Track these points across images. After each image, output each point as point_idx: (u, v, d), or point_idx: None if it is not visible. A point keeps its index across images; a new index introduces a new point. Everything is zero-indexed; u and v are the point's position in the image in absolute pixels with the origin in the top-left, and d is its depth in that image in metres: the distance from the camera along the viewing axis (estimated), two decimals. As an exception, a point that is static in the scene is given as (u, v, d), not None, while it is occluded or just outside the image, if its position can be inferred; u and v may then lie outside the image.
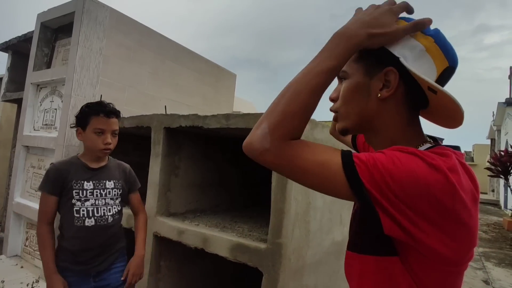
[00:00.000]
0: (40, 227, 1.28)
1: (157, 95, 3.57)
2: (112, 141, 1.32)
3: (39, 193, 3.01)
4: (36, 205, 3.10)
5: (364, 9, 0.59)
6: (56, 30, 3.46)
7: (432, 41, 0.55)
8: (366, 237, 0.59)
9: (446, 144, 0.59)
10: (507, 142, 11.10)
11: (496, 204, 13.33)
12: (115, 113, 1.34)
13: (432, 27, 0.58)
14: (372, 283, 0.58)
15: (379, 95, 0.57)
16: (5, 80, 4.23)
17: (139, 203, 1.52)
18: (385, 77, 0.57)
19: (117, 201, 1.40)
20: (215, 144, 2.40)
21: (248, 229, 1.94)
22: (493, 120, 13.27)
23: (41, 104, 3.32)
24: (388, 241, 0.54)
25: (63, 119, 2.90)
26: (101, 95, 2.93)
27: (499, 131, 13.29)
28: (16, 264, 3.11)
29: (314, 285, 1.73)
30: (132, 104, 3.33)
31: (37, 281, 2.77)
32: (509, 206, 10.39)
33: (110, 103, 1.37)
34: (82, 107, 1.34)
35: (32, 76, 3.34)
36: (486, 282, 3.88)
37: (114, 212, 1.37)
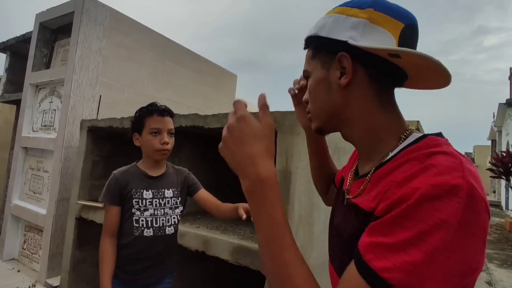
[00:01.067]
0: (104, 241, 1.24)
1: (157, 96, 3.54)
2: (169, 141, 1.27)
3: (38, 195, 2.97)
4: (35, 207, 3.07)
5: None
6: (55, 30, 3.44)
7: (371, 11, 0.51)
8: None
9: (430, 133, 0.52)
10: (508, 143, 11.06)
11: (497, 205, 13.28)
12: (169, 112, 1.30)
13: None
14: None
15: (341, 83, 0.54)
16: (3, 81, 4.20)
17: (213, 197, 1.39)
18: (340, 65, 0.53)
19: (176, 211, 1.34)
20: (215, 145, 2.36)
21: (250, 231, 1.91)
22: (493, 121, 13.23)
23: (40, 105, 3.29)
24: None
25: (62, 120, 2.86)
26: (100, 96, 2.90)
27: (499, 132, 13.25)
28: (13, 268, 3.06)
29: None
30: (132, 105, 3.30)
31: (34, 286, 2.72)
32: (510, 207, 10.35)
33: (162, 104, 1.33)
34: (136, 112, 1.32)
35: (31, 77, 3.31)
36: (489, 283, 3.84)
37: (172, 223, 1.32)
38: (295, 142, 1.43)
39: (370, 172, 0.53)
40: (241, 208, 1.18)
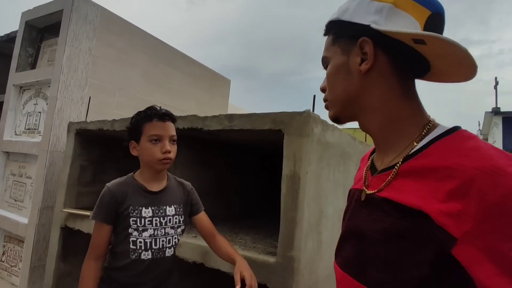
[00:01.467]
0: (87, 263, 1.09)
1: (149, 99, 3.41)
2: (172, 149, 1.12)
3: (20, 203, 2.76)
4: (15, 216, 2.86)
5: None
6: (42, 29, 3.28)
7: None
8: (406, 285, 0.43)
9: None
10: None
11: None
12: (170, 116, 1.15)
13: None
14: None
15: (361, 69, 0.52)
16: (-15, 82, 3.98)
17: (211, 224, 1.26)
18: (361, 51, 0.52)
19: (178, 230, 1.20)
20: (212, 150, 2.25)
21: (251, 240, 1.79)
22: (479, 130, 13.54)
23: (24, 107, 3.11)
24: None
25: (48, 122, 2.70)
26: (90, 97, 2.76)
27: (486, 139, 13.56)
28: (-9, 282, 2.84)
29: (325, 302, 1.58)
30: (123, 108, 3.15)
31: (14, 300, 2.51)
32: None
33: (160, 107, 1.17)
34: (132, 117, 1.16)
35: (15, 77, 3.13)
36: None
37: (173, 244, 1.17)
38: (304, 145, 1.33)
39: (398, 164, 0.49)
40: (238, 274, 1.03)
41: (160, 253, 1.13)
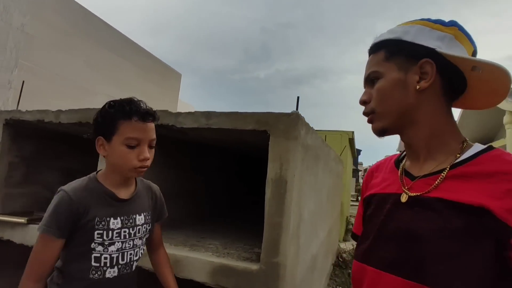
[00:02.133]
0: (26, 285, 0.88)
1: (93, 89, 3.05)
2: (150, 156, 0.95)
3: None
4: None
5: None
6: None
7: (456, 29, 0.59)
8: (469, 275, 0.49)
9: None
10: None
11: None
12: (153, 116, 0.95)
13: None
14: None
15: (418, 87, 0.59)
16: None
17: (160, 236, 1.17)
18: (421, 70, 0.59)
19: (144, 240, 1.05)
20: (178, 148, 2.09)
21: (221, 246, 1.70)
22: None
23: None
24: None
25: (-37, 109, 2.21)
26: (23, 82, 2.34)
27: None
28: None
29: (298, 305, 1.57)
30: (62, 98, 2.76)
31: None
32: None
33: (141, 101, 0.97)
34: (103, 108, 0.95)
35: None
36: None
37: (139, 256, 1.03)
38: (291, 147, 1.29)
39: (446, 169, 0.57)
40: None
41: (127, 268, 0.98)
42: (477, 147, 0.58)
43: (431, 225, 0.53)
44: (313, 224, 1.83)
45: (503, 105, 3.32)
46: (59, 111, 1.81)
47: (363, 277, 0.62)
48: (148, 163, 0.95)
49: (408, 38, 0.59)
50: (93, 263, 0.92)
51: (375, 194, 0.68)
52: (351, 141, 7.08)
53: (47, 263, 0.89)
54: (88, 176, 0.99)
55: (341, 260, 4.22)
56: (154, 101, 4.22)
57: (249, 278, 1.29)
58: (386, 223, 0.61)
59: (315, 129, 1.73)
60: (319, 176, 2.01)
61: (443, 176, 0.56)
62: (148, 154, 0.94)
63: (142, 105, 0.95)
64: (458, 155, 0.57)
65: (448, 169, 0.56)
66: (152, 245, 1.15)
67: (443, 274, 0.50)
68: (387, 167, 0.72)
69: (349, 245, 5.28)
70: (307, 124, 1.45)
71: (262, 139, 1.43)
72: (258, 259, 1.36)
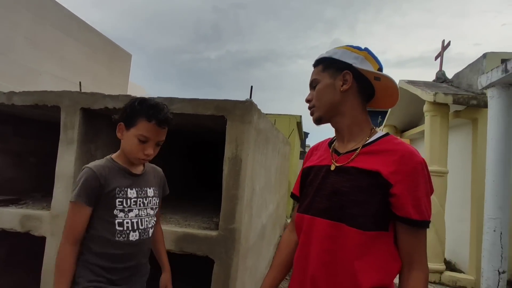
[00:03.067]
0: (64, 248, 1.05)
1: (36, 68, 2.88)
2: (154, 152, 1.13)
3: None
4: None
5: None
6: None
7: (366, 53, 0.88)
8: (369, 213, 0.77)
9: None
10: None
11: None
12: (168, 123, 1.13)
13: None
14: (375, 258, 0.77)
15: (342, 89, 0.86)
16: None
17: (159, 213, 1.31)
18: (343, 77, 0.86)
19: (155, 211, 1.22)
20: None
21: (182, 219, 1.87)
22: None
23: None
24: (386, 217, 0.77)
25: None
26: (-40, 60, 2.17)
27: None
28: None
29: (251, 266, 1.83)
30: (3, 77, 2.59)
31: None
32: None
33: (166, 106, 1.12)
34: (133, 101, 1.12)
35: None
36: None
37: (152, 225, 1.19)
38: (245, 130, 1.50)
39: (358, 148, 0.84)
40: (164, 286, 1.26)
41: (145, 233, 1.16)
42: (379, 133, 0.87)
43: (349, 184, 0.80)
44: (263, 197, 2.09)
45: (423, 95, 3.86)
46: (12, 92, 1.78)
47: (302, 223, 0.89)
48: (151, 157, 1.14)
49: (336, 57, 0.88)
50: (117, 227, 1.08)
51: (314, 166, 0.94)
52: (299, 124, 7.54)
53: (80, 227, 1.05)
54: (105, 157, 1.16)
55: (288, 233, 4.63)
56: (103, 83, 4.13)
57: (210, 243, 1.50)
58: (321, 185, 0.87)
59: (266, 112, 1.96)
60: (269, 156, 2.26)
61: (357, 153, 0.84)
62: (153, 151, 1.13)
63: (164, 112, 1.12)
64: (367, 139, 0.86)
65: (360, 148, 0.84)
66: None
67: (355, 214, 0.78)
68: (322, 147, 0.99)
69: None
70: (259, 110, 1.66)
71: (219, 123, 1.61)
72: (216, 228, 1.57)
